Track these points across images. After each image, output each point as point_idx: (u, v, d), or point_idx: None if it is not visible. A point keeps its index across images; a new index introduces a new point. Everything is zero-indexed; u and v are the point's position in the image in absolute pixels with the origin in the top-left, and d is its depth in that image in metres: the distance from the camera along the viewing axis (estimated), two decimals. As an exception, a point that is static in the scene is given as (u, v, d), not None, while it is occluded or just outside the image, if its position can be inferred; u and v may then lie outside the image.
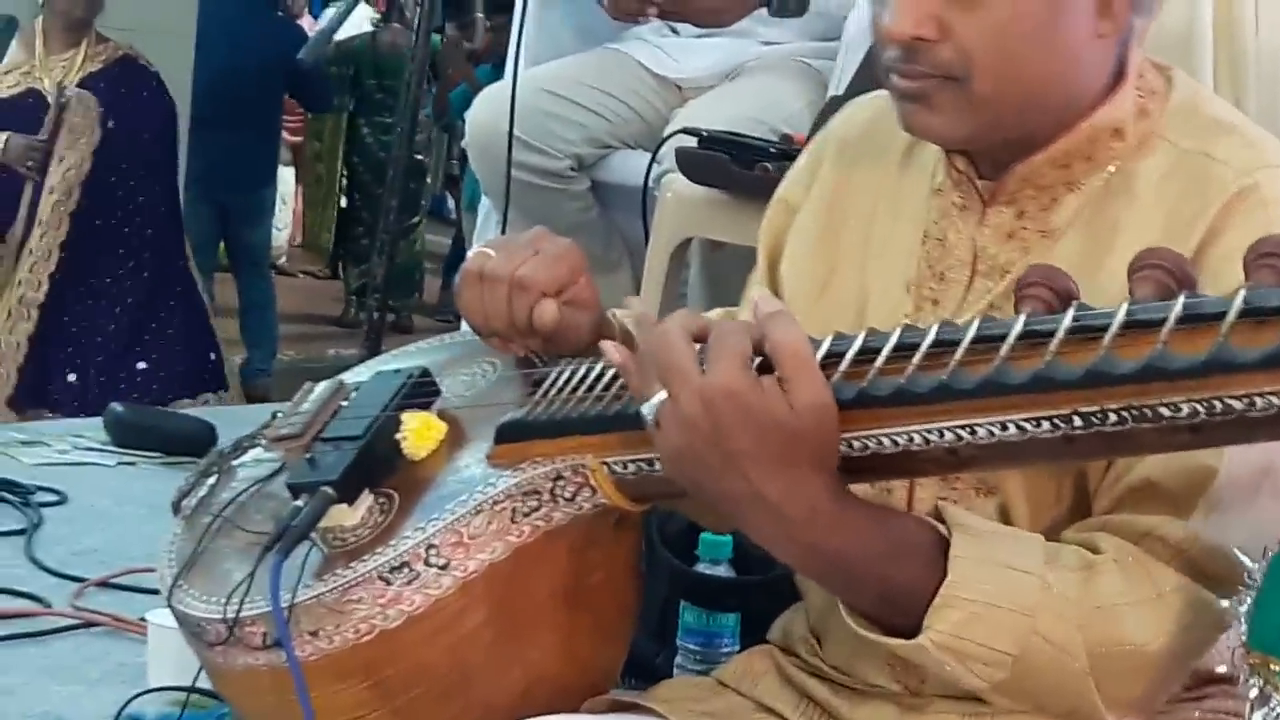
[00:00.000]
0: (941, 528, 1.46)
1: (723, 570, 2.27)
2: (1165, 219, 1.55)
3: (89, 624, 2.76)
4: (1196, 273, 1.31)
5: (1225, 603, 1.41)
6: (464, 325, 1.88)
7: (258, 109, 8.37)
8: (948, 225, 1.68)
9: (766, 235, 1.88)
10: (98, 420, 4.06)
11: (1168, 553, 1.48)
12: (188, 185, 6.81)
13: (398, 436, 1.67)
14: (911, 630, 1.44)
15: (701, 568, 2.28)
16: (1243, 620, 1.36)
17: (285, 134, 9.90)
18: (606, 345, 1.55)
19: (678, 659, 2.28)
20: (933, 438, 1.36)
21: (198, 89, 6.84)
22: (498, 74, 8.27)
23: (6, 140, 5.67)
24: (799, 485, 1.39)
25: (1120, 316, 1.30)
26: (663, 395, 1.40)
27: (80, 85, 5.77)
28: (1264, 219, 1.46)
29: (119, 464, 3.82)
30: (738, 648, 2.18)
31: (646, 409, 1.42)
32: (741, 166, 3.21)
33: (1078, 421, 1.30)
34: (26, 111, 5.75)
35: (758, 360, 1.38)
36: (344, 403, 1.77)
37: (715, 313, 1.99)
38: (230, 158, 7.96)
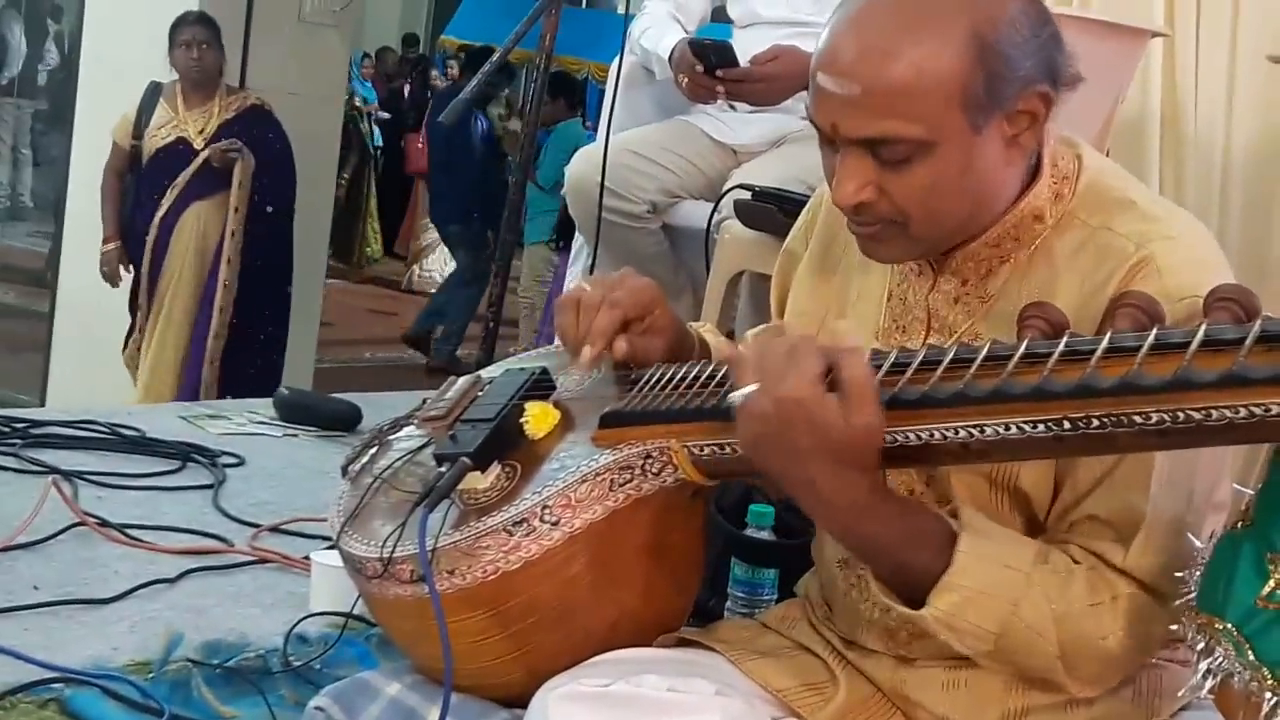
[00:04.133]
0: (954, 524, 1.46)
1: (766, 535, 2.26)
2: (1079, 285, 1.52)
3: (263, 560, 2.78)
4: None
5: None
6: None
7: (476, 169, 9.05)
8: (907, 288, 1.66)
9: (776, 281, 1.86)
10: (268, 400, 4.08)
11: (1114, 571, 1.47)
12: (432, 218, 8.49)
13: (521, 420, 1.67)
14: (920, 602, 1.45)
15: (749, 532, 2.28)
16: (1193, 587, 1.35)
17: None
18: (725, 350, 1.52)
19: (727, 604, 2.27)
20: (949, 435, 1.36)
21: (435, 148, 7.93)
22: (545, 136, 8.60)
23: (116, 247, 5.88)
24: (844, 480, 1.40)
25: (1104, 343, 1.29)
26: (752, 388, 1.41)
27: (217, 132, 5.73)
28: (1158, 284, 1.43)
29: (284, 435, 3.84)
30: (776, 597, 2.18)
31: (735, 396, 1.43)
32: (786, 215, 3.18)
33: (1067, 425, 1.30)
34: (178, 156, 5.76)
35: (830, 376, 1.38)
36: (480, 393, 1.78)
37: (755, 330, 1.98)
38: (458, 200, 8.89)
